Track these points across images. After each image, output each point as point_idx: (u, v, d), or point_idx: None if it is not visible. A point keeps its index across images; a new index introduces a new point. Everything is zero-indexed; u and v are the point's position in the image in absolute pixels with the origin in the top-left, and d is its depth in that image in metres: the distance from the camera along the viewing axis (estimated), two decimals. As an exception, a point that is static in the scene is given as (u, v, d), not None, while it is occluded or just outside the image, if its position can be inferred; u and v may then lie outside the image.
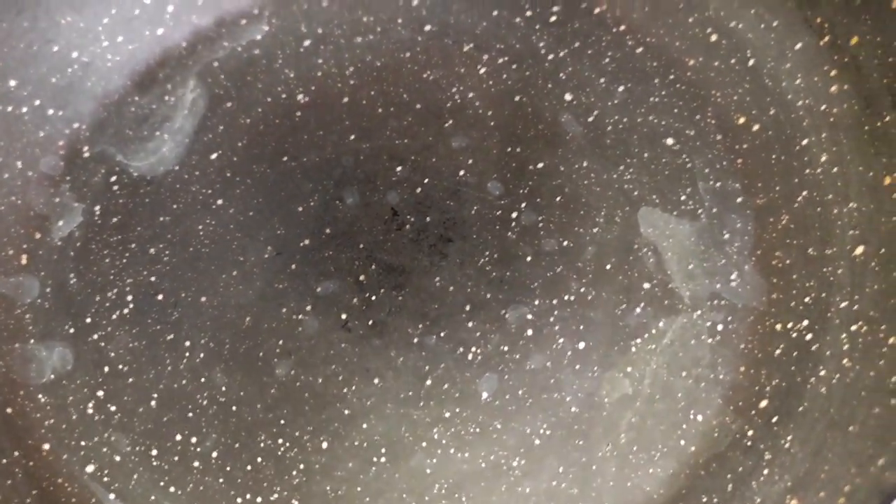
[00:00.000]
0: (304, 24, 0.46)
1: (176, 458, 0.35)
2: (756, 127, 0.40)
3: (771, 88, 0.40)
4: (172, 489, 0.34)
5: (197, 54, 0.45)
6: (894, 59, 0.34)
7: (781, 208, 0.38)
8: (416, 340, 0.37)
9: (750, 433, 0.34)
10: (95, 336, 0.38)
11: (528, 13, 0.46)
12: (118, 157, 0.42)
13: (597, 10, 0.45)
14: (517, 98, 0.43)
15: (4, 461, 0.34)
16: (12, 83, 0.42)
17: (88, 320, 0.38)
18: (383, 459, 0.34)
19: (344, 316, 0.37)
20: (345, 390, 0.36)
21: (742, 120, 0.41)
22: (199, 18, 0.46)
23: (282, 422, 0.35)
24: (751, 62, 0.41)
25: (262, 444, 0.35)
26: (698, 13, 0.43)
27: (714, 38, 0.42)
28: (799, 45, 0.39)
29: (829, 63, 0.38)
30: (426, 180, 0.40)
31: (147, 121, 0.43)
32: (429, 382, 0.36)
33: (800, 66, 0.39)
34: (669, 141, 0.41)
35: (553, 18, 0.45)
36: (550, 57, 0.44)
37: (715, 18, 0.42)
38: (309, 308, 0.38)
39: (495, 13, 0.46)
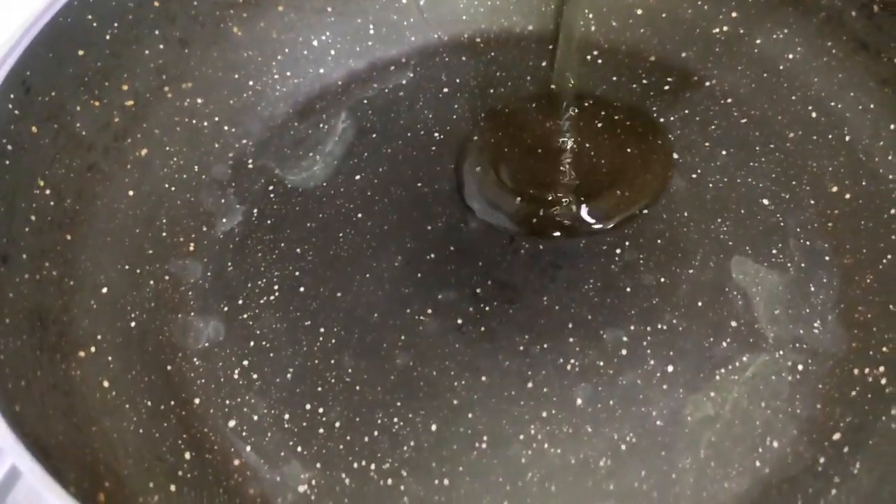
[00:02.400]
0: (445, 74, 0.53)
1: (304, 424, 0.40)
2: (848, 196, 0.44)
3: (864, 163, 0.44)
4: (299, 449, 0.39)
5: (350, 92, 0.52)
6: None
7: (867, 268, 0.42)
8: (521, 348, 0.41)
9: (822, 461, 0.37)
10: (245, 315, 0.43)
11: (645, 81, 0.51)
12: (276, 170, 0.49)
13: (707, 84, 0.51)
14: (629, 150, 0.48)
15: (162, 407, 0.40)
16: (199, 101, 0.49)
17: (240, 302, 0.44)
18: (484, 446, 0.39)
19: (460, 321, 0.42)
20: (455, 384, 0.40)
21: (835, 189, 0.45)
22: (355, 62, 0.53)
23: (398, 404, 0.40)
24: (847, 138, 0.45)
25: (379, 421, 0.40)
26: (801, 92, 0.48)
27: (814, 115, 0.47)
28: (893, 126, 0.43)
29: (919, 142, 0.42)
30: (542, 212, 0.46)
31: (303, 143, 0.50)
32: (530, 385, 0.40)
33: (893, 144, 0.43)
34: (765, 201, 0.46)
35: (667, 87, 0.51)
36: (661, 119, 0.49)
37: (816, 98, 0.47)
38: (430, 311, 0.43)
39: (615, 79, 0.52)
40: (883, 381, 0.38)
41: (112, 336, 0.41)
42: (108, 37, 0.45)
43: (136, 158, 0.46)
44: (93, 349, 0.39)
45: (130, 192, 0.45)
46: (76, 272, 0.41)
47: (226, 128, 0.50)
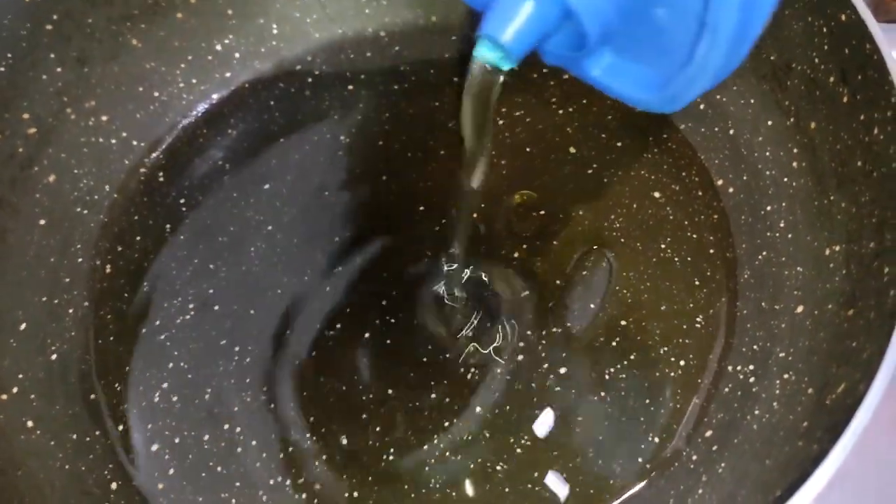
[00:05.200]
0: (350, 71, 0.53)
1: (222, 444, 0.42)
2: (731, 189, 0.47)
3: (745, 157, 0.46)
4: (219, 469, 0.42)
5: (257, 94, 0.53)
6: (841, 146, 0.40)
7: (745, 264, 0.45)
8: (425, 359, 0.44)
9: (694, 458, 0.40)
10: (162, 337, 0.45)
11: (545, 70, 0.52)
12: (186, 182, 0.50)
13: (605, 72, 0.52)
14: (528, 149, 0.50)
15: (87, 439, 0.42)
16: (104, 118, 0.49)
17: (157, 323, 0.46)
18: (391, 457, 0.42)
19: (367, 334, 0.45)
20: (363, 398, 0.43)
21: (720, 182, 0.47)
22: (261, 64, 0.54)
23: (311, 419, 0.43)
24: (731, 132, 0.47)
25: (292, 437, 0.42)
26: (691, 83, 0.49)
27: (702, 107, 0.48)
28: (770, 123, 0.45)
29: (792, 141, 0.43)
30: (444, 220, 0.47)
31: (212, 152, 0.51)
32: (433, 396, 0.43)
33: (769, 140, 0.45)
34: (657, 194, 0.48)
35: (566, 76, 0.52)
36: (560, 112, 0.51)
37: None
38: (339, 326, 0.45)
39: (515, 68, 0.52)
40: (751, 380, 0.41)
41: (34, 372, 0.43)
42: (2, 68, 0.45)
43: (45, 186, 0.47)
44: (15, 389, 0.42)
45: (42, 222, 0.46)
46: (-8, 312, 0.43)
47: (134, 142, 0.50)
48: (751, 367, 0.41)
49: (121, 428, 0.43)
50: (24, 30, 0.45)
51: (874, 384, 0.30)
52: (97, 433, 0.43)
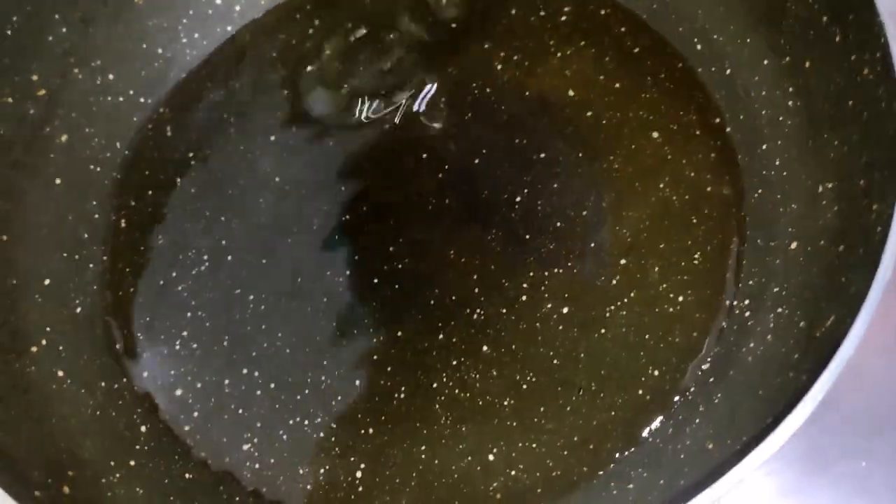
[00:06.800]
0: (350, 20, 0.54)
1: (242, 388, 0.45)
2: (729, 129, 0.47)
3: (742, 97, 0.47)
4: (240, 411, 0.44)
5: (259, 46, 0.54)
6: (833, 87, 0.41)
7: (742, 201, 0.46)
8: (432, 302, 0.45)
9: (692, 389, 0.42)
10: (180, 287, 0.47)
11: (542, 13, 0.53)
12: (193, 136, 0.51)
13: (602, 12, 0.52)
14: (526, 93, 0.50)
15: (116, 386, 0.44)
16: (111, 76, 0.50)
17: (174, 274, 0.48)
18: (402, 396, 0.44)
19: (376, 280, 0.46)
20: (374, 340, 0.45)
21: (717, 120, 0.48)
22: (261, 15, 0.54)
23: (324, 363, 0.45)
24: (728, 71, 0.48)
25: (308, 380, 0.44)
26: (688, 24, 0.49)
27: (700, 47, 0.49)
28: (766, 62, 0.46)
29: (787, 81, 0.44)
30: (447, 167, 0.49)
31: (218, 106, 0.52)
32: (441, 336, 0.45)
33: (766, 80, 0.46)
34: (655, 134, 0.49)
35: (564, 18, 0.52)
36: (559, 55, 0.51)
37: (701, 30, 0.49)
38: (348, 272, 0.47)
39: (513, 12, 0.53)
40: (747, 314, 0.42)
41: (60, 325, 0.45)
42: (9, 32, 0.46)
43: (58, 146, 0.48)
44: (44, 342, 0.44)
45: (58, 181, 0.48)
46: (18, 270, 0.45)
47: (141, 99, 0.52)
48: (746, 301, 0.43)
49: (146, 374, 0.45)
50: (28, -8, 0.46)
51: (858, 318, 0.32)
52: (124, 380, 0.45)
